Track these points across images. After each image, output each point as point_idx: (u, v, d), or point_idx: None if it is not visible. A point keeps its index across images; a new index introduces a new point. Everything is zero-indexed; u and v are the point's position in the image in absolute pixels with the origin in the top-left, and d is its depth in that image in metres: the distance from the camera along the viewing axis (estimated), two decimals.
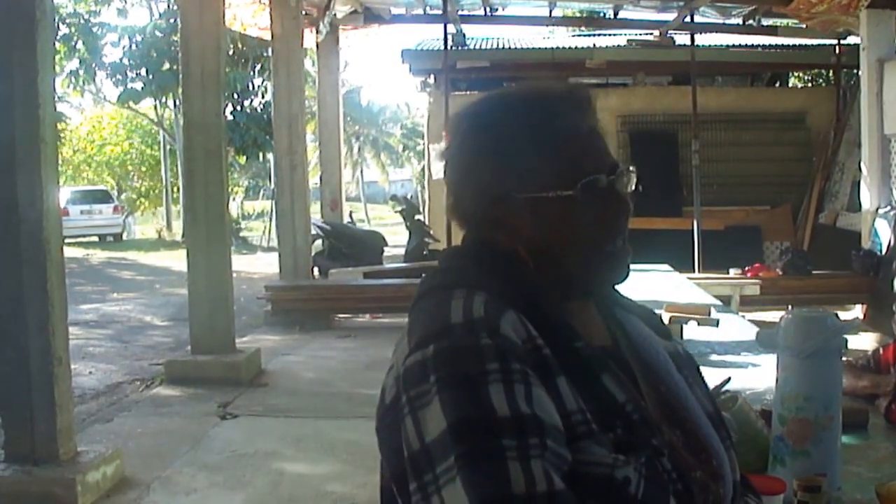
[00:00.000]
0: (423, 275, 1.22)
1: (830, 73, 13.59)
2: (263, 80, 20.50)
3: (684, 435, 1.13)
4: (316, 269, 11.15)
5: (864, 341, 6.94)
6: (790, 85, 15.31)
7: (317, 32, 11.81)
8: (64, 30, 20.07)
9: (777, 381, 1.79)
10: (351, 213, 13.81)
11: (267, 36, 10.56)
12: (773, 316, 7.97)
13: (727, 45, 13.22)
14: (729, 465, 1.16)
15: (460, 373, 0.98)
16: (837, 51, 12.04)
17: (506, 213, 1.14)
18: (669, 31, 11.59)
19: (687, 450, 1.11)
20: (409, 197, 15.05)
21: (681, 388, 1.19)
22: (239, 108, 20.49)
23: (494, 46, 14.22)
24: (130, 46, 21.02)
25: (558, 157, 1.13)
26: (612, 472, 0.99)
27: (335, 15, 11.62)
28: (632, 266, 1.19)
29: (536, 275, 1.14)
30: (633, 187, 1.18)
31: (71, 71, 21.07)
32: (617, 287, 1.23)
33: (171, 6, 20.63)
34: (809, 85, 15.37)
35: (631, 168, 1.18)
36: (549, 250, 1.14)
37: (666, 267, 6.31)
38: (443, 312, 1.05)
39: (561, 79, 11.76)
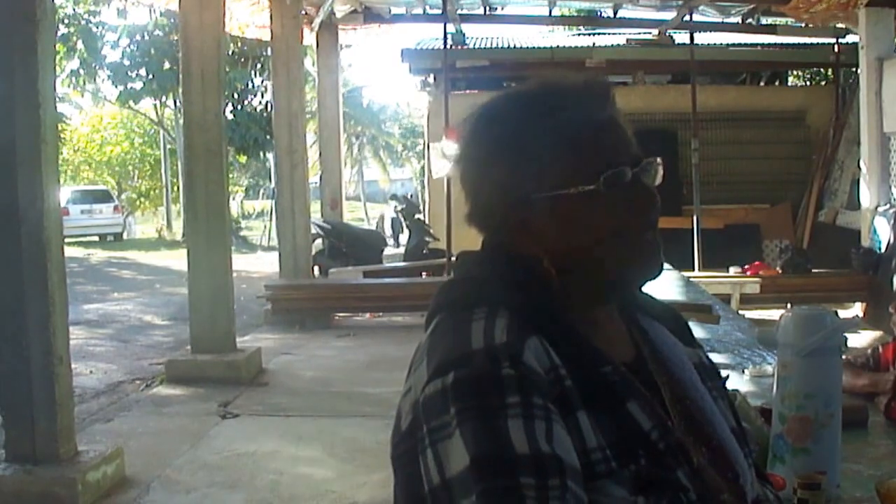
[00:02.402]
0: (445, 282, 1.16)
1: (830, 72, 13.60)
2: (263, 80, 20.49)
3: (710, 452, 1.09)
4: (316, 269, 11.15)
5: (863, 339, 6.94)
6: (789, 83, 15.31)
7: (311, 29, 11.78)
8: (64, 30, 20.05)
9: (777, 379, 1.79)
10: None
11: (265, 35, 10.56)
12: (772, 314, 7.98)
13: (726, 44, 13.23)
14: (751, 482, 1.13)
15: (481, 405, 0.94)
16: (836, 49, 12.03)
17: (527, 216, 1.09)
18: (669, 30, 11.60)
19: (713, 468, 1.07)
20: (408, 196, 15.06)
21: (706, 401, 1.15)
22: (239, 107, 20.49)
23: (494, 46, 14.23)
24: (130, 46, 21.02)
25: (576, 150, 1.07)
26: None
27: (333, 13, 11.62)
28: (663, 263, 1.13)
29: (562, 284, 1.09)
30: (660, 180, 1.12)
31: (71, 71, 21.07)
32: (647, 284, 1.17)
33: (171, 6, 20.60)
34: (809, 83, 15.37)
35: (658, 160, 1.12)
36: (576, 252, 1.08)
37: (666, 265, 6.32)
38: (463, 336, 1.00)
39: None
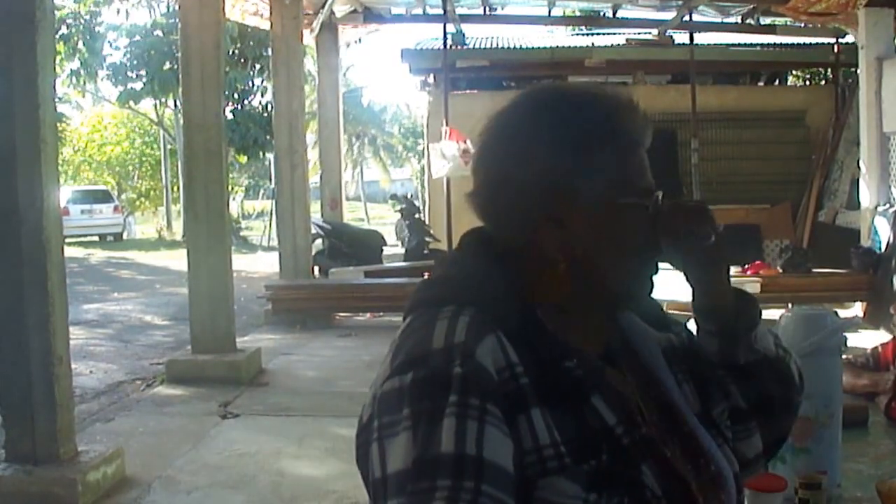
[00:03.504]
0: (420, 282, 1.17)
1: (829, 72, 13.61)
2: (263, 80, 20.50)
3: (682, 440, 1.10)
4: (316, 269, 11.16)
5: (863, 339, 6.94)
6: (789, 83, 15.32)
7: (311, 29, 11.78)
8: (64, 30, 20.07)
9: None
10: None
11: (266, 25, 10.58)
12: (773, 314, 7.97)
13: (726, 44, 13.24)
14: (727, 464, 1.13)
15: (431, 408, 0.95)
16: (836, 49, 12.06)
17: (564, 210, 1.07)
18: (668, 30, 11.60)
19: (686, 457, 1.08)
20: (408, 196, 15.06)
21: (672, 388, 1.16)
22: (239, 107, 20.50)
23: (494, 46, 14.23)
24: (130, 47, 21.04)
25: (634, 164, 1.10)
26: None
27: (333, 13, 11.62)
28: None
29: (568, 282, 1.09)
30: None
31: (71, 71, 21.08)
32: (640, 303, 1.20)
33: (171, 6, 20.64)
34: (808, 83, 15.38)
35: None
36: (594, 258, 1.08)
37: (666, 265, 6.32)
38: (427, 335, 1.01)
39: (558, 76, 11.84)
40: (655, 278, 1.15)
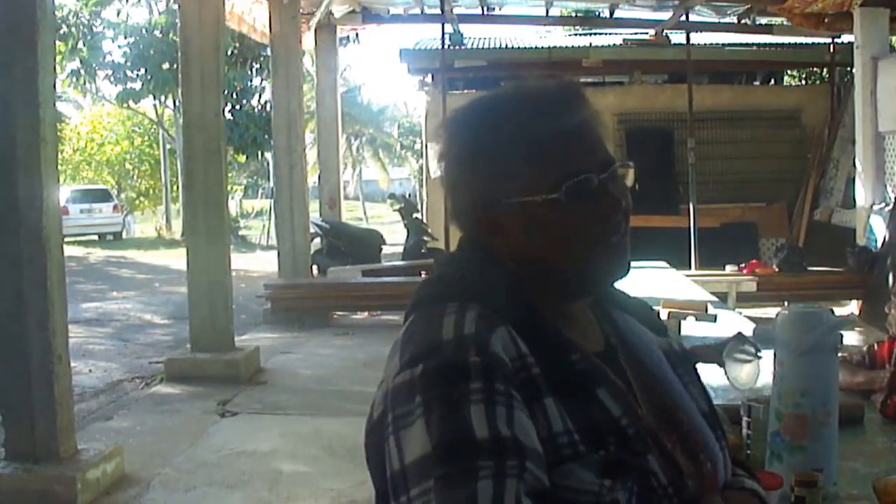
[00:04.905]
0: (421, 280, 1.20)
1: (825, 71, 13.64)
2: (262, 80, 20.48)
3: (681, 438, 1.12)
4: (314, 268, 11.17)
5: (858, 337, 6.96)
6: (785, 83, 15.35)
7: (309, 29, 11.78)
8: (65, 29, 20.02)
9: (774, 377, 1.81)
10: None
11: (266, 38, 10.58)
12: (769, 312, 8.00)
13: (723, 44, 13.26)
14: (723, 467, 1.16)
15: (446, 394, 0.97)
16: (832, 49, 12.08)
17: (497, 219, 1.12)
18: (665, 30, 11.61)
19: (684, 454, 1.10)
20: (407, 195, 15.05)
21: (675, 388, 1.18)
22: (238, 107, 20.46)
23: (491, 46, 14.24)
24: (129, 46, 20.99)
25: (541, 159, 1.10)
26: (598, 500, 0.99)
27: (331, 13, 11.63)
28: (631, 263, 1.15)
29: (531, 281, 1.12)
30: (631, 182, 1.14)
31: (72, 70, 21.04)
32: (615, 284, 1.20)
33: (170, 5, 20.60)
34: (804, 83, 15.40)
35: (628, 163, 1.14)
36: (542, 254, 1.11)
37: (663, 264, 6.34)
38: (434, 329, 1.03)
39: (556, 76, 11.72)
40: (622, 261, 1.14)
